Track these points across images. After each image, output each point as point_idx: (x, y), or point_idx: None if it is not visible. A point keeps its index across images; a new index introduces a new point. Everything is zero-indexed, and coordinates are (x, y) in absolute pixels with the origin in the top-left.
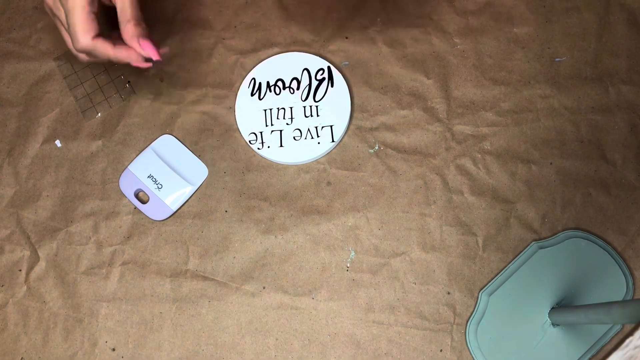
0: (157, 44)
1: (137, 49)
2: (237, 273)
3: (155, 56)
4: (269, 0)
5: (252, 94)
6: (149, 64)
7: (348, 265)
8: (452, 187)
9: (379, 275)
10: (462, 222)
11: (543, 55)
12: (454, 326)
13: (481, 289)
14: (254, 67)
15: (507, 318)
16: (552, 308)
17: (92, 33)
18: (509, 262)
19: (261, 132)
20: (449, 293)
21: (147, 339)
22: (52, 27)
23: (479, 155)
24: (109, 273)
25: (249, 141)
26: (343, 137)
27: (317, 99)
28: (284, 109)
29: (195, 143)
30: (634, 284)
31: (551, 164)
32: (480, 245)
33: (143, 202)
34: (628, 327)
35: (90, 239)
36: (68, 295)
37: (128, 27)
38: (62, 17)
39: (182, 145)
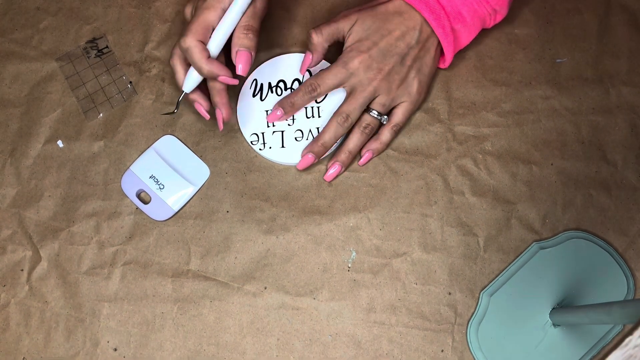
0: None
1: (232, 55)
2: (239, 273)
3: (242, 71)
4: (270, 1)
5: (253, 95)
6: (235, 81)
7: (349, 265)
8: (453, 187)
9: (380, 276)
10: (463, 223)
11: (544, 56)
12: (455, 326)
13: (482, 290)
14: (255, 68)
15: (508, 318)
16: (553, 308)
17: (198, 37)
18: (510, 263)
19: (263, 133)
20: (450, 293)
21: (149, 339)
22: (53, 27)
23: (480, 156)
24: (110, 273)
25: (251, 142)
26: (344, 138)
27: (318, 100)
28: None
29: (196, 143)
30: (634, 284)
31: (552, 164)
32: (481, 245)
33: (145, 202)
34: (629, 328)
35: (92, 239)
36: (70, 295)
37: (237, 33)
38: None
39: (183, 145)
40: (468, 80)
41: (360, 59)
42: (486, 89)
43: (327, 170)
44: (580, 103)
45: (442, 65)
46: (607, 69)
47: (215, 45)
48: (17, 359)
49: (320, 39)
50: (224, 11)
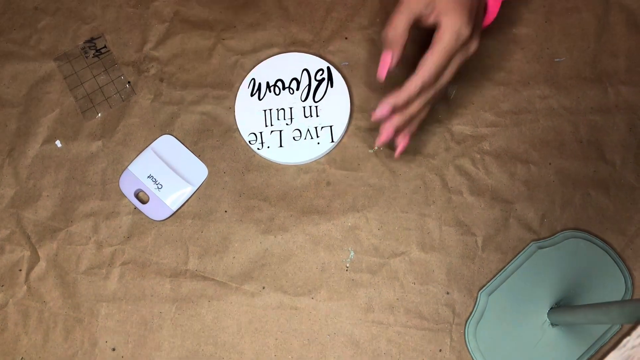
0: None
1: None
2: (237, 273)
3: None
4: (268, 0)
5: (251, 94)
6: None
7: (347, 265)
8: (451, 187)
9: (379, 275)
10: (461, 222)
11: (542, 55)
12: (453, 326)
13: (480, 289)
14: (253, 67)
15: (506, 318)
16: (551, 308)
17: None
18: (508, 262)
19: (261, 133)
20: (448, 293)
21: (147, 338)
22: (52, 27)
23: (478, 156)
24: (109, 273)
25: (249, 141)
26: (342, 137)
27: (316, 100)
28: (283, 109)
29: (195, 143)
30: (633, 284)
31: (550, 164)
32: (480, 245)
33: (143, 202)
34: (627, 327)
35: (90, 239)
36: (68, 295)
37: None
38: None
39: (182, 145)
40: (466, 80)
41: (466, 21)
42: (484, 88)
43: (396, 147)
44: (578, 102)
45: (487, 22)
46: (606, 69)
47: None
48: (16, 359)
49: (397, 31)
50: None
